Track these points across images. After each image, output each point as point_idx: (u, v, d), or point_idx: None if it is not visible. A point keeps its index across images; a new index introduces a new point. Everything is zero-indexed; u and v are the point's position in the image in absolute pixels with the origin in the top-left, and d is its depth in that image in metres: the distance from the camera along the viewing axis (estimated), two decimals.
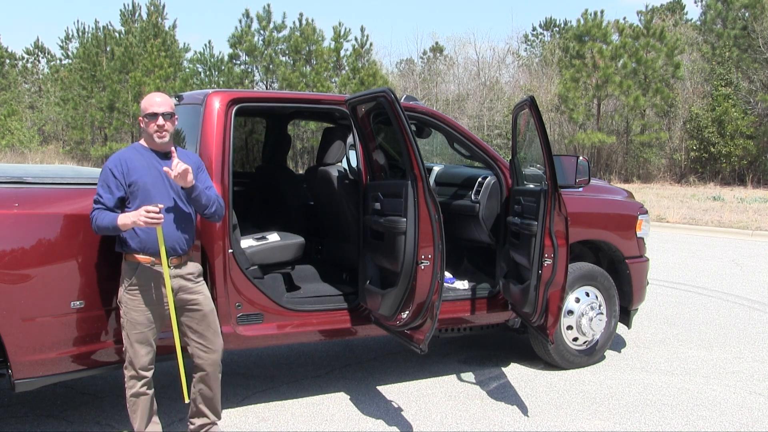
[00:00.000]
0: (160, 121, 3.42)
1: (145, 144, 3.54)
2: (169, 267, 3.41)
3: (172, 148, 3.52)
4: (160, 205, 3.29)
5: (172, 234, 3.44)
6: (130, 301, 3.44)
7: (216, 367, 3.61)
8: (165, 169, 3.36)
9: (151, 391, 3.54)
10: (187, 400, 3.54)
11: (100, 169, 3.57)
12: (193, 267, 3.60)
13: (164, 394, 4.25)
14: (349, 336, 4.63)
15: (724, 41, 29.18)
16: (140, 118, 3.51)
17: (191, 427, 3.70)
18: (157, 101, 3.46)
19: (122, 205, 3.41)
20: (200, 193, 3.47)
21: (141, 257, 3.42)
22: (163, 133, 3.45)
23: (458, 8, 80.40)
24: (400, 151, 4.01)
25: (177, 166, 3.34)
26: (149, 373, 3.51)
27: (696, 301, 7.66)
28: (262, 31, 32.87)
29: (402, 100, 4.40)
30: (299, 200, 5.42)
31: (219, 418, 3.74)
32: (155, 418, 3.61)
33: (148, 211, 3.23)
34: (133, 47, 34.02)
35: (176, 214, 3.46)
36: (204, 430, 3.68)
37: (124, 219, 3.30)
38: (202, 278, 3.65)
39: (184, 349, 3.58)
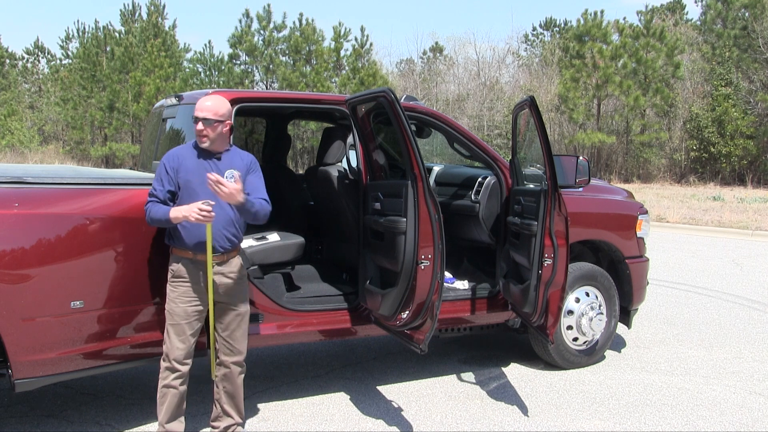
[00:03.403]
0: (200, 126, 3.50)
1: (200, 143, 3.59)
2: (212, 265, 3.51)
3: (224, 149, 3.60)
4: (212, 203, 3.36)
5: (214, 232, 3.50)
6: (171, 292, 3.56)
7: (238, 368, 3.69)
8: (210, 176, 3.33)
9: (182, 388, 3.56)
10: (214, 377, 3.66)
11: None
12: (237, 266, 3.64)
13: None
14: (349, 336, 4.63)
15: (724, 41, 29.17)
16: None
17: (216, 430, 3.72)
18: (206, 105, 3.51)
19: (174, 198, 3.51)
20: (248, 208, 3.46)
21: (184, 252, 3.51)
22: (203, 138, 3.52)
23: (458, 8, 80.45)
24: (400, 151, 4.01)
25: (223, 188, 3.31)
26: (184, 368, 3.54)
27: (696, 301, 7.66)
28: (262, 31, 32.86)
29: (402, 100, 4.39)
30: (299, 200, 5.42)
31: (243, 419, 3.79)
32: (181, 418, 3.62)
33: (201, 209, 3.31)
34: (133, 47, 33.98)
35: (219, 214, 3.49)
36: (230, 431, 3.71)
37: (176, 213, 3.41)
38: (245, 279, 3.73)
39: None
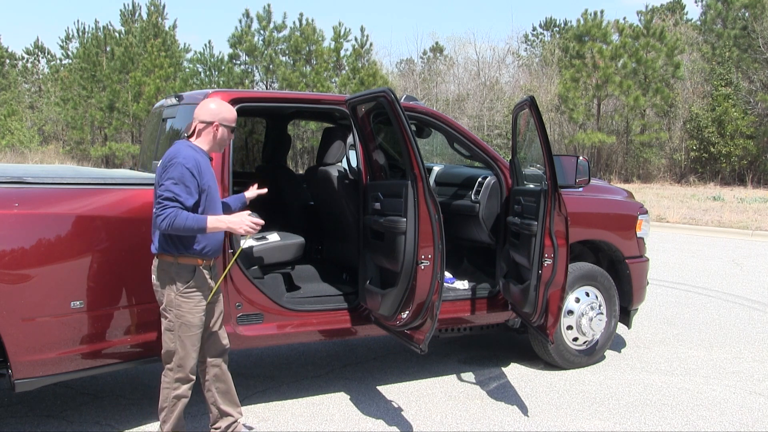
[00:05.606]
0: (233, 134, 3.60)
1: (201, 146, 3.44)
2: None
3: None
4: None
5: (221, 237, 3.51)
6: (185, 303, 3.36)
7: (225, 363, 3.67)
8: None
9: (189, 395, 3.52)
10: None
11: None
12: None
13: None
14: (349, 336, 4.63)
15: (724, 41, 29.17)
16: (218, 124, 3.45)
17: (218, 431, 3.69)
18: (235, 115, 3.56)
19: (195, 207, 3.32)
20: None
21: (196, 259, 3.39)
22: (225, 145, 3.62)
23: (458, 8, 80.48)
24: (400, 151, 4.01)
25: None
26: (194, 377, 3.50)
27: (696, 301, 7.66)
28: (262, 31, 32.85)
29: (402, 100, 4.40)
30: (299, 200, 5.42)
31: (240, 411, 3.74)
32: (183, 423, 3.60)
33: (256, 223, 3.31)
34: (133, 47, 33.99)
35: None
36: (231, 429, 3.68)
37: (217, 223, 3.29)
38: None
39: None
